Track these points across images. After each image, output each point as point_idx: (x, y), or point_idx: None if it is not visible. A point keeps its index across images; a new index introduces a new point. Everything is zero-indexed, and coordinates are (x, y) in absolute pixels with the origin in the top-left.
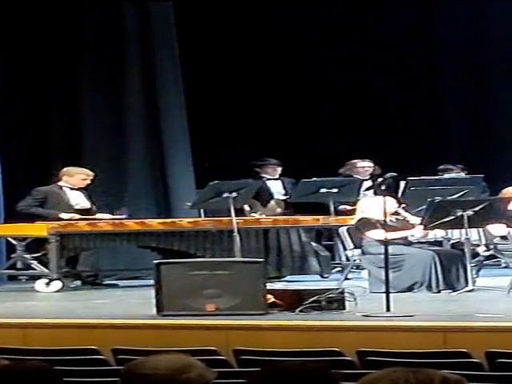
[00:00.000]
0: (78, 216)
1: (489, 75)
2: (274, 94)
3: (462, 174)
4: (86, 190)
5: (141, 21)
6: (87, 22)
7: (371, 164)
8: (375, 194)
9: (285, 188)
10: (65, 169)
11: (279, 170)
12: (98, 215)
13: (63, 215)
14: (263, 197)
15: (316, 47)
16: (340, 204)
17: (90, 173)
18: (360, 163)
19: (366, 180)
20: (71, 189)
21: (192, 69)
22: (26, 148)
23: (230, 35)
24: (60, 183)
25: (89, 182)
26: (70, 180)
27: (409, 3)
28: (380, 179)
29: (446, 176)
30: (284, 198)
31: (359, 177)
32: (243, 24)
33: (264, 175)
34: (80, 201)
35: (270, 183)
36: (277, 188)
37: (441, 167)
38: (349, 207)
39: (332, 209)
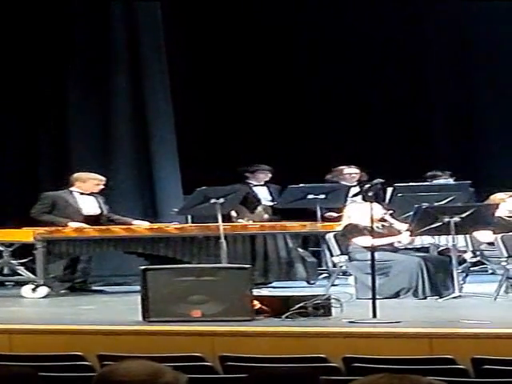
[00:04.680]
0: (86, 226)
1: (476, 82)
2: (262, 99)
3: (451, 181)
4: (101, 196)
5: (128, 20)
6: (74, 22)
7: (357, 170)
8: (364, 199)
9: (271, 194)
10: (76, 174)
11: (270, 175)
12: (135, 222)
13: (72, 224)
14: (250, 203)
15: (306, 53)
16: (327, 211)
17: (102, 178)
18: (346, 169)
19: (354, 186)
20: (82, 194)
21: (179, 70)
22: (13, 151)
23: (218, 36)
24: (72, 188)
25: (102, 186)
26: (83, 186)
27: (397, 14)
28: (367, 185)
29: (434, 182)
30: (271, 204)
31: (346, 183)
32: (231, 25)
33: (252, 181)
34: (90, 206)
35: (256, 189)
36: (263, 194)
37: (429, 174)
38: (335, 214)
39: (319, 215)
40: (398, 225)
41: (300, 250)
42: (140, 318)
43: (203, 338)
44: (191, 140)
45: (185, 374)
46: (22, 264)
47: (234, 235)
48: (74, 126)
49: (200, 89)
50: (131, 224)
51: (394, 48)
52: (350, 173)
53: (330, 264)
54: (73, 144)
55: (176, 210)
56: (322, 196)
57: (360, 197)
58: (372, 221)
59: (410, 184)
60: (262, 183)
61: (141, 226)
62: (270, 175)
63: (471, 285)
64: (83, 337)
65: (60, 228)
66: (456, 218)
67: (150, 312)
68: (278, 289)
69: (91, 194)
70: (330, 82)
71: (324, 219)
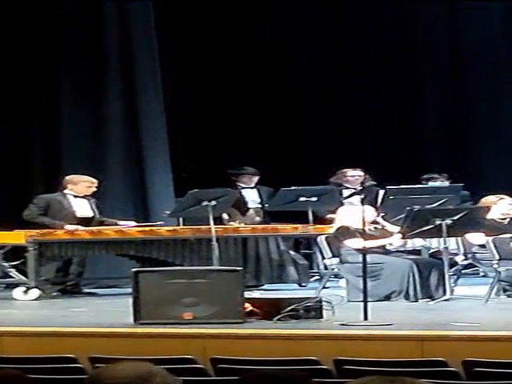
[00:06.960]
0: (82, 228)
1: (471, 85)
2: (253, 102)
3: (447, 183)
4: (94, 198)
5: (120, 21)
6: (66, 23)
7: (361, 173)
8: (362, 202)
9: (260, 197)
10: (68, 177)
11: (255, 179)
12: (121, 222)
13: (68, 226)
14: (240, 206)
15: (297, 55)
16: (328, 213)
17: (94, 180)
18: (350, 172)
19: (361, 189)
20: (75, 197)
21: (172, 72)
22: (4, 154)
23: (211, 37)
24: (65, 191)
25: (94, 189)
26: (75, 188)
27: (390, 17)
28: (359, 188)
29: (430, 184)
30: (259, 206)
31: (350, 186)
32: (223, 26)
33: (240, 184)
34: (82, 209)
35: (245, 192)
36: (252, 197)
37: (425, 176)
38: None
39: (311, 218)
40: (390, 227)
41: (291, 252)
42: (131, 321)
43: (195, 340)
44: (183, 142)
45: (176, 376)
46: (13, 266)
47: (225, 238)
48: (66, 127)
49: (192, 90)
50: (117, 224)
51: (389, 51)
52: (354, 175)
53: (321, 266)
54: (65, 146)
55: (168, 212)
56: (314, 198)
57: (354, 198)
58: (364, 223)
59: (402, 186)
60: (252, 185)
61: (132, 229)
62: (255, 178)
63: (462, 287)
64: (75, 339)
65: (52, 230)
66: (448, 221)
67: (142, 314)
68: (270, 291)
69: (84, 196)
70: (323, 84)
71: (324, 221)
